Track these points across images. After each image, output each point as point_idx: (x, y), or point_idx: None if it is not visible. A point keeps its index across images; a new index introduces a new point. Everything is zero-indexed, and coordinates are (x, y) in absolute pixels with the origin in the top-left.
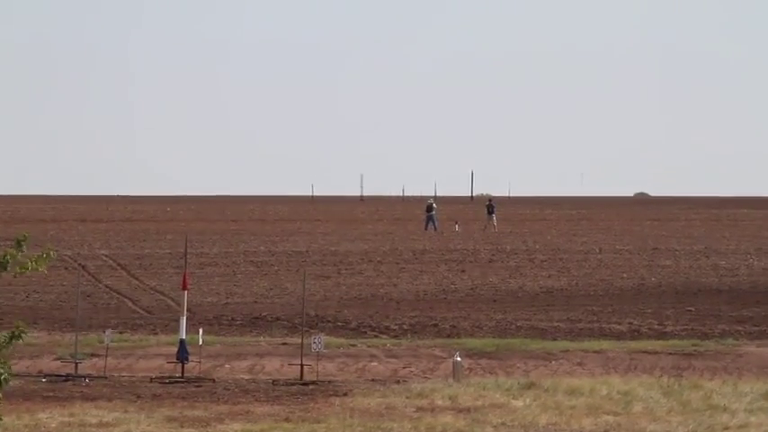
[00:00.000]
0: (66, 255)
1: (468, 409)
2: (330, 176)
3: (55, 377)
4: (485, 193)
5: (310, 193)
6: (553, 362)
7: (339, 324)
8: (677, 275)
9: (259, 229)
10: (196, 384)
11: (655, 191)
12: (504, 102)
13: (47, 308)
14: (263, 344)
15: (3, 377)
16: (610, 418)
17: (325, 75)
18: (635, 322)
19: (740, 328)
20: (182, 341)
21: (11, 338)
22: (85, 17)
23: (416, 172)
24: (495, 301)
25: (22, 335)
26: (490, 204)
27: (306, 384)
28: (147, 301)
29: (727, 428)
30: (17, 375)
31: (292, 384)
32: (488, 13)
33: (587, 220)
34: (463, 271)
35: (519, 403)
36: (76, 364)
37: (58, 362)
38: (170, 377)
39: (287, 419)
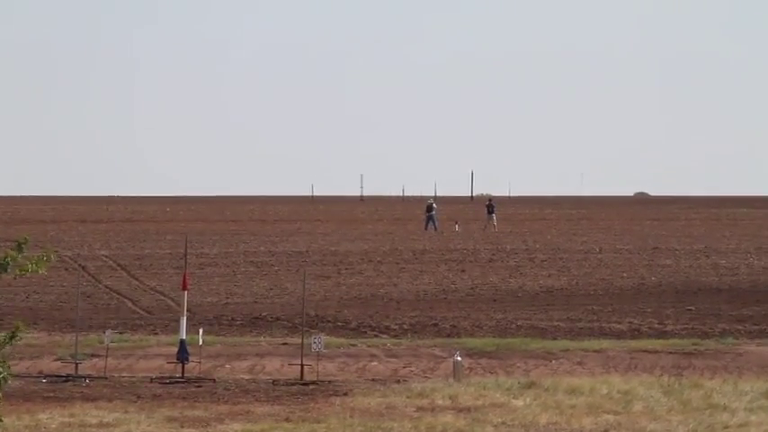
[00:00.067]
0: (66, 255)
1: (468, 409)
2: (330, 176)
3: (55, 378)
4: (485, 193)
5: (310, 194)
6: (553, 361)
7: (339, 324)
8: (677, 275)
9: (259, 230)
10: (196, 384)
11: (655, 190)
12: (504, 102)
13: (47, 308)
14: (264, 344)
15: (2, 377)
16: (610, 418)
17: (325, 75)
18: (635, 321)
19: (740, 327)
20: (182, 341)
21: (10, 338)
22: (85, 17)
23: (416, 172)
24: (495, 300)
25: (21, 334)
26: (490, 204)
27: (306, 384)
28: (147, 302)
29: (727, 427)
30: (17, 376)
31: (293, 384)
32: (488, 13)
33: (587, 220)
34: (463, 271)
35: (519, 403)
36: (77, 364)
37: (59, 362)
38: (170, 377)
39: (287, 419)
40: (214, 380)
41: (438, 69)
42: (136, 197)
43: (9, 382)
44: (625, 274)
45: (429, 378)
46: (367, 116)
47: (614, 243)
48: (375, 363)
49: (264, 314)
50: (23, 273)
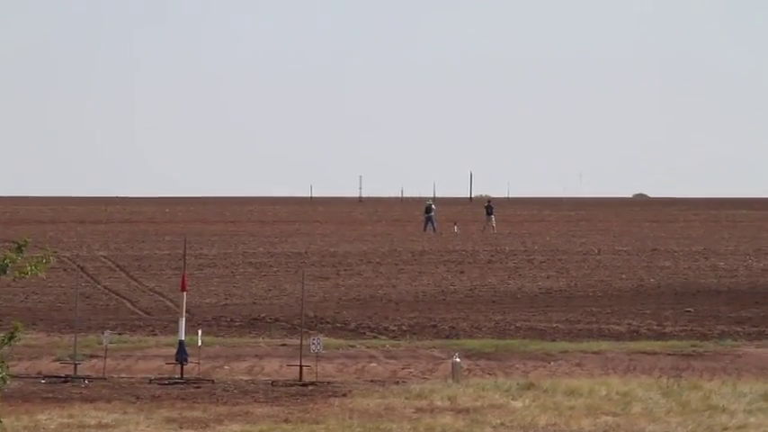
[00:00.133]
0: (64, 256)
1: (467, 410)
2: (329, 177)
3: (54, 378)
4: (484, 194)
5: (309, 195)
6: (552, 363)
7: (338, 325)
8: (676, 276)
9: (258, 231)
10: (195, 385)
11: (653, 192)
12: (504, 102)
13: (46, 309)
14: (263, 345)
15: (1, 378)
16: (609, 419)
17: (325, 75)
18: (634, 323)
19: (739, 329)
20: (181, 342)
21: (9, 339)
22: (85, 17)
23: (415, 173)
24: (494, 301)
25: (19, 335)
26: (489, 205)
27: (305, 385)
28: (145, 303)
29: (726, 429)
30: (16, 377)
31: (291, 385)
32: (488, 13)
33: (586, 221)
34: (462, 272)
35: (518, 404)
36: (75, 365)
37: (57, 363)
38: (169, 378)
39: (286, 420)
40: (213, 381)
41: (437, 70)
42: (135, 198)
43: (8, 382)
44: (624, 276)
45: (428, 379)
46: (366, 117)
47: (613, 244)
48: (374, 364)
49: (263, 315)
50: (23, 275)
